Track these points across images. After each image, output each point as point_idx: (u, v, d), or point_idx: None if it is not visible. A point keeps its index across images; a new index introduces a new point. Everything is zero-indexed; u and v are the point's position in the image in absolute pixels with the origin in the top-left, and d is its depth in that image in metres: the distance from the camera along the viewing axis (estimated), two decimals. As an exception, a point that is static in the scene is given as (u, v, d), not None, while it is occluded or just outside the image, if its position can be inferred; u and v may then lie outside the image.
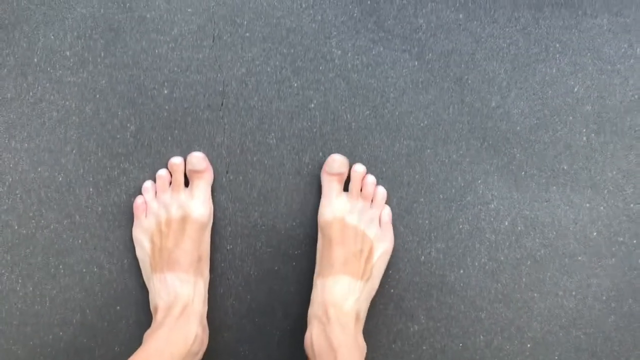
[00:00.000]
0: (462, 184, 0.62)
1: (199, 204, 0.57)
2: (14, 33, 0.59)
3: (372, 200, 0.61)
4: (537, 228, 0.63)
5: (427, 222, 0.63)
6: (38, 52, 0.60)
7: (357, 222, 0.58)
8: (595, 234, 0.62)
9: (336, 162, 0.59)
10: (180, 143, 0.62)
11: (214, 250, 0.62)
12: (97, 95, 0.61)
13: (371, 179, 0.60)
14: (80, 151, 0.61)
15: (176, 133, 0.61)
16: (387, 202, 0.62)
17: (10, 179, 0.61)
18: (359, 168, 0.60)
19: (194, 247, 0.56)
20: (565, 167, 0.62)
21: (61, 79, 0.60)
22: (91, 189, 0.62)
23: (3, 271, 0.62)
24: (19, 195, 0.61)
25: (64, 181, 0.61)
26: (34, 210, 0.61)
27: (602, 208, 0.62)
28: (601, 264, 0.62)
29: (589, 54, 0.61)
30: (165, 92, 0.61)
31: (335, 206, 0.58)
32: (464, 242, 0.63)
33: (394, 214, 0.62)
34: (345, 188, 0.61)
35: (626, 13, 0.61)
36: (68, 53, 0.60)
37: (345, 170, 0.60)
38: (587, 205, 0.62)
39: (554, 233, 0.63)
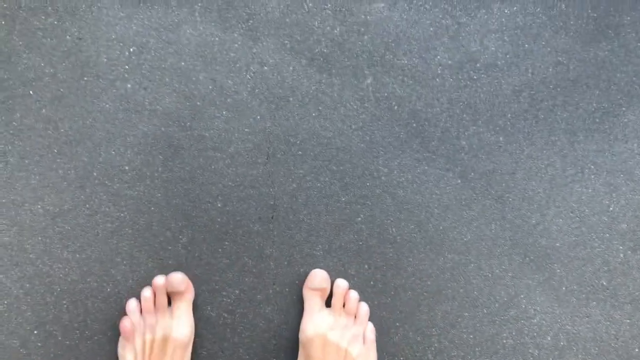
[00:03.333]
0: (505, 299, 0.60)
1: (179, 324, 0.57)
2: (77, 149, 0.59)
3: (355, 317, 0.59)
4: (579, 343, 0.60)
5: (471, 336, 0.60)
6: (98, 167, 0.59)
7: (339, 338, 0.57)
8: (637, 350, 0.60)
9: (318, 277, 0.59)
10: (230, 255, 0.60)
11: (258, 363, 0.59)
12: (152, 208, 0.59)
13: (354, 294, 0.60)
14: (130, 262, 0.59)
15: (226, 245, 0.60)
16: (432, 316, 0.60)
17: (59, 289, 0.59)
18: (342, 283, 0.60)
19: None
20: (604, 283, 0.61)
21: (118, 192, 0.59)
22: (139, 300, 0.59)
23: (42, 382, 0.57)
24: (65, 306, 0.59)
25: (112, 292, 0.59)
26: (79, 321, 0.59)
27: (643, 324, 0.60)
28: (648, 384, 0.59)
29: (622, 175, 0.62)
30: (219, 205, 0.60)
31: (317, 322, 0.58)
32: (508, 356, 0.60)
33: (438, 327, 0.60)
34: (328, 304, 0.61)
35: (654, 139, 0.62)
36: (127, 167, 0.59)
37: (327, 286, 0.60)
38: (628, 321, 0.60)
39: (597, 349, 0.60)
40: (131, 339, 0.57)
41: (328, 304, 0.61)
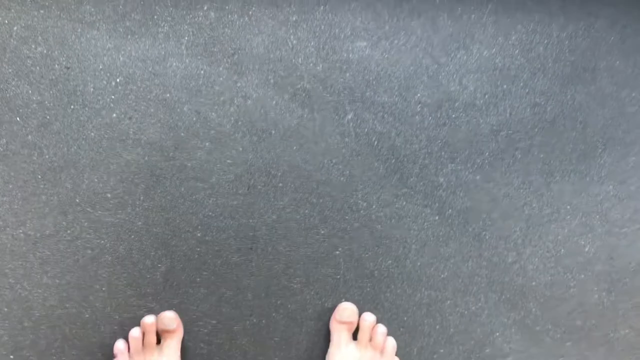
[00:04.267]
0: (481, 336, 0.60)
1: None
2: (61, 175, 0.59)
3: (381, 351, 0.59)
4: (554, 383, 0.59)
5: (446, 373, 0.59)
6: (80, 193, 0.60)
7: None
8: (611, 391, 0.59)
9: (347, 311, 0.59)
10: (208, 285, 0.61)
11: (232, 394, 0.58)
12: (132, 236, 0.59)
13: (382, 329, 0.60)
14: (109, 289, 0.59)
15: (205, 275, 0.60)
16: (407, 352, 0.61)
17: (37, 314, 0.59)
18: (369, 317, 0.60)
19: None
20: (579, 323, 0.61)
21: (99, 219, 0.59)
22: (116, 327, 0.60)
23: (15, 408, 0.57)
24: (43, 331, 0.59)
25: (90, 318, 0.60)
26: (56, 347, 0.60)
27: (617, 366, 0.59)
28: None
29: (597, 216, 0.62)
30: (199, 235, 0.60)
31: (344, 355, 0.58)
32: (482, 394, 0.59)
33: (413, 363, 0.59)
34: (354, 337, 0.61)
35: (630, 182, 0.63)
36: (109, 195, 0.59)
37: (355, 319, 0.60)
38: (603, 362, 0.60)
39: (571, 389, 0.59)
40: None
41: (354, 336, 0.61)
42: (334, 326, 0.59)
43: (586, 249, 0.63)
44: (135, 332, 0.57)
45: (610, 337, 0.62)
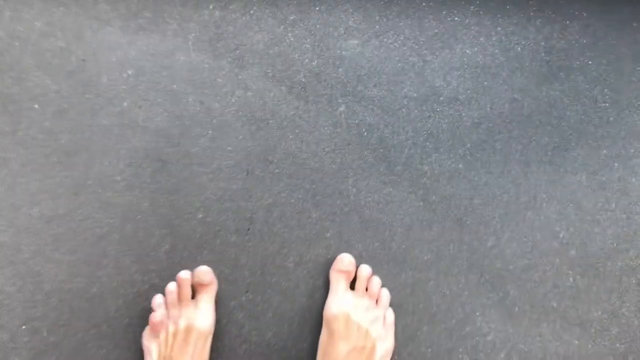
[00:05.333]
0: (462, 315, 0.62)
1: (203, 315, 0.58)
2: (74, 159, 0.62)
3: (376, 301, 0.60)
4: (531, 361, 0.61)
5: (429, 350, 0.61)
6: (92, 176, 0.62)
7: (361, 319, 0.58)
8: (585, 370, 0.61)
9: (345, 261, 0.61)
10: (208, 262, 0.63)
11: (228, 366, 0.60)
12: (139, 216, 0.62)
13: (377, 280, 0.61)
14: (116, 266, 0.61)
15: (205, 253, 0.62)
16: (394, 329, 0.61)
17: (48, 288, 0.61)
18: (366, 269, 0.62)
19: (196, 354, 0.57)
20: (554, 305, 0.62)
21: (109, 201, 0.62)
22: (121, 302, 0.62)
23: (25, 375, 0.59)
24: (53, 304, 0.61)
25: (97, 292, 0.61)
26: (64, 319, 0.61)
27: (590, 346, 0.62)
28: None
29: (571, 205, 0.64)
30: (200, 216, 0.62)
31: (342, 301, 0.59)
32: (463, 370, 0.61)
33: (398, 340, 0.61)
34: (352, 287, 0.62)
35: (601, 173, 0.65)
36: (118, 178, 0.62)
37: (352, 269, 0.62)
38: (576, 342, 0.62)
39: (547, 367, 0.61)
40: (158, 331, 0.58)
41: (352, 287, 0.62)
42: (333, 275, 0.61)
43: (561, 235, 0.65)
44: (171, 286, 0.59)
45: (583, 318, 0.63)
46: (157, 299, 0.60)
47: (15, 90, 0.64)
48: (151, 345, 0.58)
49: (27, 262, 0.62)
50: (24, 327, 0.61)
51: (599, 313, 0.63)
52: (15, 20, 0.64)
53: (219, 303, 0.63)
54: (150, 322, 0.58)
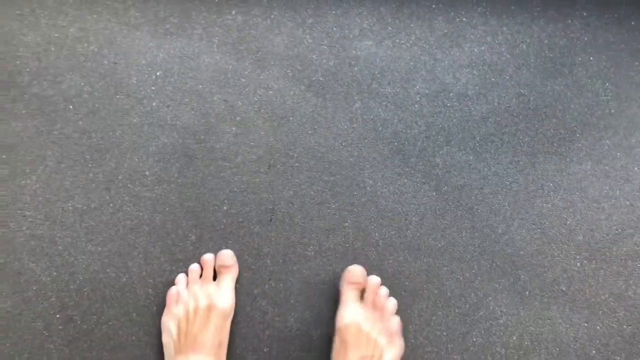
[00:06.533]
0: (475, 300, 0.63)
1: (224, 295, 0.60)
2: (106, 155, 0.64)
3: (383, 310, 0.61)
4: (541, 344, 0.62)
5: (444, 334, 0.62)
6: (123, 172, 0.64)
7: (370, 329, 0.59)
8: (594, 352, 0.62)
9: (356, 273, 0.62)
10: (232, 252, 0.63)
11: (252, 352, 0.61)
12: (167, 209, 0.63)
13: (384, 291, 0.62)
14: (145, 256, 0.63)
15: (229, 243, 0.64)
16: (409, 314, 0.63)
17: (81, 278, 0.62)
18: (375, 279, 0.62)
19: (217, 333, 0.57)
20: (563, 289, 0.64)
21: (138, 194, 0.63)
22: (150, 290, 0.63)
23: (60, 362, 0.60)
24: (86, 293, 0.62)
25: (128, 282, 0.63)
26: (96, 307, 0.62)
27: (598, 327, 0.63)
28: (603, 381, 0.61)
29: (577, 193, 0.65)
30: (225, 208, 0.64)
31: (352, 312, 0.60)
32: (477, 354, 0.62)
33: (414, 324, 0.62)
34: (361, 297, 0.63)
35: (605, 162, 0.66)
36: (147, 173, 0.64)
37: (362, 281, 0.62)
38: (585, 324, 0.63)
39: (557, 350, 0.62)
40: (172, 305, 0.59)
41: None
42: (344, 287, 0.62)
43: (568, 222, 0.66)
44: (194, 266, 0.61)
45: (592, 301, 0.64)
46: (179, 276, 0.62)
47: (51, 92, 0.66)
48: (170, 323, 0.58)
49: (62, 253, 0.63)
50: (58, 315, 0.62)
51: (606, 296, 0.64)
52: (51, 27, 0.67)
53: (243, 290, 0.64)
54: (167, 294, 0.59)
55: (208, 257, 0.61)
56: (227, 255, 0.62)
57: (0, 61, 0.66)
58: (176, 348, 0.57)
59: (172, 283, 0.63)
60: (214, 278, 0.62)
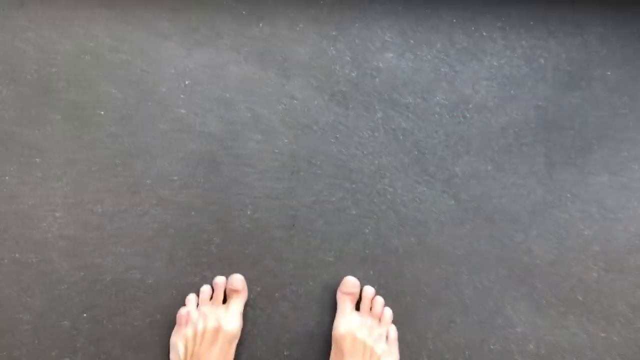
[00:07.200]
0: (493, 308, 0.63)
1: (232, 318, 0.60)
2: (135, 160, 0.65)
3: (379, 320, 0.62)
4: (558, 353, 0.62)
5: (462, 340, 0.63)
6: (151, 176, 0.65)
7: (366, 337, 0.59)
8: (612, 361, 0.62)
9: (350, 283, 0.63)
10: (254, 256, 0.65)
11: (273, 355, 0.61)
12: (192, 213, 0.64)
13: (380, 300, 0.63)
14: (171, 258, 0.64)
15: (252, 247, 0.64)
16: (427, 320, 0.63)
17: (108, 279, 0.63)
18: (370, 289, 0.63)
19: (222, 354, 0.58)
20: (580, 299, 0.64)
21: (165, 198, 0.65)
22: (174, 292, 0.64)
23: (85, 360, 0.61)
24: (112, 294, 0.63)
25: (153, 283, 0.63)
26: (122, 308, 0.63)
27: (615, 338, 0.62)
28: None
29: (594, 204, 0.66)
30: (248, 213, 0.65)
31: (348, 321, 0.60)
32: (495, 360, 0.62)
33: (433, 331, 0.63)
34: (357, 308, 0.64)
35: (622, 173, 0.66)
36: (175, 178, 0.65)
37: (357, 291, 0.63)
38: (602, 334, 0.63)
39: (574, 359, 0.62)
40: (184, 326, 0.59)
41: (357, 307, 0.64)
42: (340, 297, 0.63)
43: (585, 232, 0.67)
44: (205, 288, 0.62)
45: (609, 311, 0.64)
46: (190, 297, 0.62)
47: (84, 98, 0.68)
48: (178, 342, 0.59)
49: (90, 254, 0.64)
50: (84, 315, 0.63)
51: (623, 307, 0.64)
52: (85, 37, 0.69)
53: (264, 294, 0.65)
54: (177, 316, 0.60)
55: (220, 280, 0.62)
56: (238, 280, 0.62)
57: (36, 68, 0.68)
58: None
59: (195, 285, 0.64)
60: (224, 301, 0.63)
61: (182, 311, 0.60)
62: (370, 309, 0.63)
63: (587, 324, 0.64)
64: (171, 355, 0.60)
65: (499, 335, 0.64)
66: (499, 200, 0.67)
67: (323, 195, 0.67)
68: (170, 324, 0.63)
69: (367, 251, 0.66)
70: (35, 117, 0.67)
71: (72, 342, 0.63)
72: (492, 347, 0.64)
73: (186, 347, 0.58)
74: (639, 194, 0.67)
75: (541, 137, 0.68)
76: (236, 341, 0.61)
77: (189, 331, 0.59)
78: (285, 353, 0.64)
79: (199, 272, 0.65)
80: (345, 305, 0.62)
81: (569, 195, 0.67)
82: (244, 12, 0.70)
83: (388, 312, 0.62)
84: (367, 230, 0.66)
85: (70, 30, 0.69)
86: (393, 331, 0.62)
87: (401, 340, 0.64)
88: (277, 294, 0.65)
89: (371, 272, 0.65)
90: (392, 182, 0.67)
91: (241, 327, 0.61)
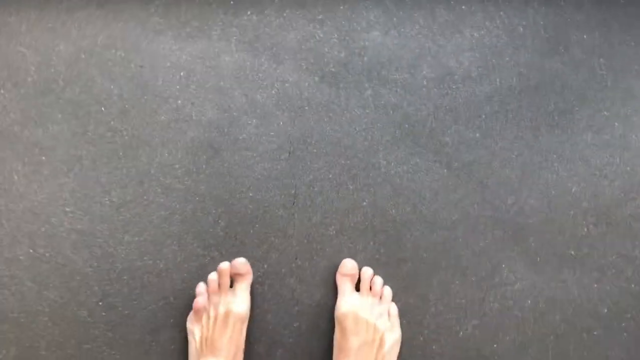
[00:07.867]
0: (490, 268, 0.65)
1: (240, 301, 0.62)
2: (138, 151, 0.67)
3: (380, 297, 0.64)
4: (555, 306, 0.65)
5: (462, 301, 0.65)
6: (154, 166, 0.67)
7: (368, 315, 0.61)
8: (605, 310, 0.64)
9: (348, 265, 0.65)
10: (259, 235, 0.66)
11: (283, 327, 0.63)
12: (197, 198, 0.66)
13: (379, 279, 0.65)
14: (179, 243, 0.65)
15: (257, 227, 0.66)
16: (428, 284, 0.65)
17: (121, 267, 0.65)
18: (368, 270, 0.65)
19: (234, 337, 0.60)
20: (573, 253, 0.66)
21: (170, 186, 0.66)
22: (185, 274, 0.65)
23: (104, 347, 0.63)
24: (125, 281, 0.65)
25: (164, 268, 0.65)
26: (136, 293, 0.65)
27: (608, 288, 0.65)
28: (615, 339, 0.63)
29: (580, 162, 0.68)
30: (250, 194, 0.66)
31: (349, 301, 0.62)
32: (495, 318, 0.64)
33: (434, 293, 0.65)
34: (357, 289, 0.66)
35: (604, 131, 0.69)
36: (177, 166, 0.67)
37: (355, 272, 0.65)
38: (596, 285, 0.65)
39: (571, 310, 0.64)
40: (200, 315, 0.61)
41: (357, 288, 0.66)
42: (339, 279, 0.65)
43: (573, 190, 0.69)
44: (212, 276, 0.63)
45: (600, 263, 0.67)
46: (200, 287, 0.63)
47: (83, 97, 0.69)
48: (194, 328, 0.62)
49: (102, 245, 0.66)
50: (100, 303, 0.65)
51: (614, 257, 0.67)
52: (81, 36, 0.71)
53: (272, 270, 0.67)
54: (194, 307, 0.62)
55: (224, 267, 0.63)
56: (242, 264, 0.64)
57: (36, 70, 0.69)
58: (198, 352, 0.60)
59: (205, 267, 0.66)
60: (231, 285, 0.65)
61: (199, 304, 0.61)
62: (370, 289, 0.64)
63: (581, 277, 0.66)
64: (189, 339, 0.62)
65: (497, 293, 0.66)
66: (489, 166, 0.69)
67: (320, 173, 0.69)
68: (183, 305, 0.65)
69: (367, 223, 0.68)
70: (38, 117, 0.68)
71: (90, 330, 0.64)
72: (491, 305, 0.66)
73: (201, 333, 0.60)
74: (621, 149, 0.69)
75: (525, 102, 0.70)
76: (247, 321, 0.62)
77: (203, 318, 0.61)
78: (295, 324, 0.65)
79: (208, 254, 0.67)
80: (345, 286, 0.63)
81: (555, 155, 0.69)
82: (232, 2, 0.72)
83: (388, 291, 0.64)
84: (364, 203, 0.68)
85: (66, 31, 0.71)
86: (394, 308, 0.63)
87: (405, 304, 0.66)
88: (283, 270, 0.67)
89: (371, 243, 0.67)
90: (385, 156, 0.69)
91: (249, 307, 0.63)
